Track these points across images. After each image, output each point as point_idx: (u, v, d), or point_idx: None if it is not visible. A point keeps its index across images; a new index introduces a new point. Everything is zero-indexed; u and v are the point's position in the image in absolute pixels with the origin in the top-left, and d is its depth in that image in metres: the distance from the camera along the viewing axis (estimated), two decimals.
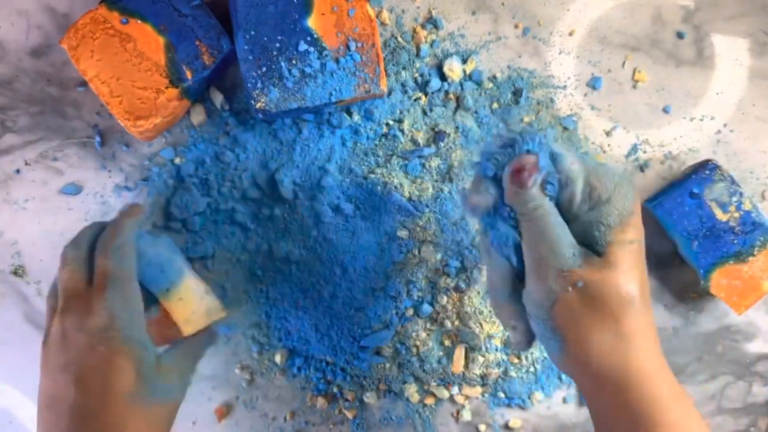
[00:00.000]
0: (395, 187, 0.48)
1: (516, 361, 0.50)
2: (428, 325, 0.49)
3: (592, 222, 0.34)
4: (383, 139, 0.48)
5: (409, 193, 0.48)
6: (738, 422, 0.51)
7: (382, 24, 0.49)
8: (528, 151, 0.35)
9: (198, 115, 0.48)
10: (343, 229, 0.49)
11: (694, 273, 0.47)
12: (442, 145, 0.48)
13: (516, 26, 0.49)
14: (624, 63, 0.50)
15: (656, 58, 0.50)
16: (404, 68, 0.48)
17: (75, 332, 0.37)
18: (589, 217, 0.34)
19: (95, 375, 0.36)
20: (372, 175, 0.48)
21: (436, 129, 0.48)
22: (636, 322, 0.33)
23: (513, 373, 0.50)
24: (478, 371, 0.49)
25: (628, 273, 0.34)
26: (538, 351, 0.49)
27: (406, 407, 0.50)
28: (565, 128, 0.49)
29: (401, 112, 0.48)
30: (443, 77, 0.49)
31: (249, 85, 0.44)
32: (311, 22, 0.44)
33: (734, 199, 0.46)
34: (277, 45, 0.44)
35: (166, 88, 0.44)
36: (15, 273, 0.49)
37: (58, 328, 0.37)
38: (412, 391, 0.50)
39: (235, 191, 0.48)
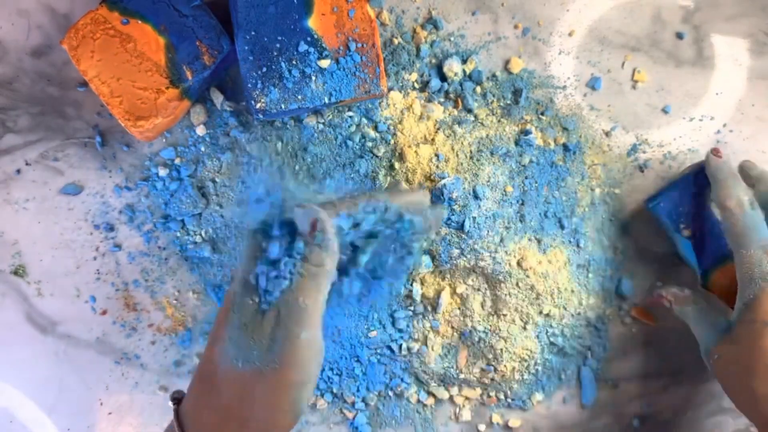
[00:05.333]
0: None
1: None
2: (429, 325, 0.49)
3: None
4: (383, 140, 0.48)
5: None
6: (738, 422, 0.51)
7: (382, 24, 0.49)
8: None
9: (198, 116, 0.48)
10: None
11: (694, 273, 0.47)
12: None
13: (516, 26, 0.49)
14: (623, 63, 0.50)
15: (656, 59, 0.50)
16: (404, 68, 0.48)
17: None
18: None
19: (215, 325, 0.37)
20: (372, 175, 0.48)
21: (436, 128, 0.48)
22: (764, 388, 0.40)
23: (513, 374, 0.50)
24: (478, 372, 0.49)
25: (748, 348, 0.40)
26: (538, 351, 0.49)
27: (406, 407, 0.50)
28: (565, 128, 0.49)
29: (401, 112, 0.48)
30: (443, 77, 0.49)
31: (249, 85, 0.44)
32: (311, 23, 0.44)
33: None
34: (277, 45, 0.44)
35: (167, 88, 0.44)
36: (15, 273, 0.49)
37: None
38: (412, 391, 0.50)
39: (235, 191, 0.49)
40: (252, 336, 0.34)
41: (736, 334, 0.41)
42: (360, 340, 0.49)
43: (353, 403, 0.50)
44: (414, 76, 0.49)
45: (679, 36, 0.50)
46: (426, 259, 0.48)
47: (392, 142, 0.48)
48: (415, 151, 0.48)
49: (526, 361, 0.49)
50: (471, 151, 0.49)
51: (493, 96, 0.49)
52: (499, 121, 0.49)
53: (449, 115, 0.49)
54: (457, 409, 0.50)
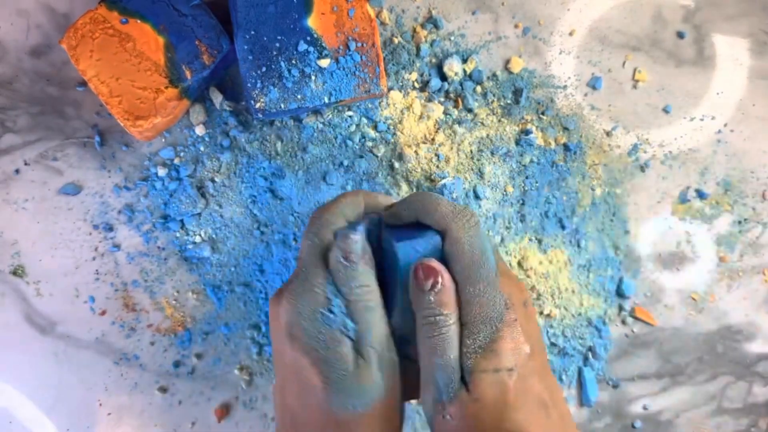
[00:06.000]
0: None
1: None
2: None
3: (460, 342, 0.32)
4: (383, 139, 0.48)
5: (408, 192, 0.48)
6: (738, 422, 0.51)
7: (382, 24, 0.49)
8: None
9: (197, 115, 0.48)
10: None
11: None
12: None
13: (516, 26, 0.49)
14: (624, 63, 0.50)
15: (656, 58, 0.50)
16: (404, 68, 0.48)
17: (279, 315, 0.33)
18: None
19: (292, 373, 0.33)
20: (372, 175, 0.48)
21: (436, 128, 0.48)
22: None
23: None
24: None
25: (493, 408, 0.31)
26: None
27: (406, 407, 0.50)
28: (566, 128, 0.49)
29: (401, 112, 0.48)
30: (443, 77, 0.48)
31: (249, 85, 0.44)
32: (311, 22, 0.44)
33: None
34: (277, 45, 0.44)
35: (166, 88, 0.44)
36: (15, 273, 0.49)
37: (279, 296, 0.34)
38: None
39: (234, 191, 0.48)
40: (362, 381, 0.32)
41: (475, 386, 0.31)
42: None
43: None
44: (414, 75, 0.48)
45: (680, 35, 0.50)
46: None
47: (392, 142, 0.48)
48: (415, 151, 0.48)
49: None
50: (471, 151, 0.48)
51: (494, 96, 0.49)
52: (499, 120, 0.49)
53: (449, 115, 0.49)
54: None
